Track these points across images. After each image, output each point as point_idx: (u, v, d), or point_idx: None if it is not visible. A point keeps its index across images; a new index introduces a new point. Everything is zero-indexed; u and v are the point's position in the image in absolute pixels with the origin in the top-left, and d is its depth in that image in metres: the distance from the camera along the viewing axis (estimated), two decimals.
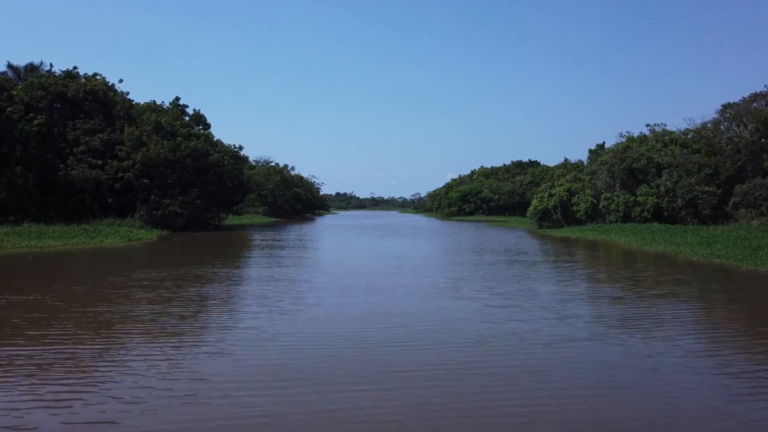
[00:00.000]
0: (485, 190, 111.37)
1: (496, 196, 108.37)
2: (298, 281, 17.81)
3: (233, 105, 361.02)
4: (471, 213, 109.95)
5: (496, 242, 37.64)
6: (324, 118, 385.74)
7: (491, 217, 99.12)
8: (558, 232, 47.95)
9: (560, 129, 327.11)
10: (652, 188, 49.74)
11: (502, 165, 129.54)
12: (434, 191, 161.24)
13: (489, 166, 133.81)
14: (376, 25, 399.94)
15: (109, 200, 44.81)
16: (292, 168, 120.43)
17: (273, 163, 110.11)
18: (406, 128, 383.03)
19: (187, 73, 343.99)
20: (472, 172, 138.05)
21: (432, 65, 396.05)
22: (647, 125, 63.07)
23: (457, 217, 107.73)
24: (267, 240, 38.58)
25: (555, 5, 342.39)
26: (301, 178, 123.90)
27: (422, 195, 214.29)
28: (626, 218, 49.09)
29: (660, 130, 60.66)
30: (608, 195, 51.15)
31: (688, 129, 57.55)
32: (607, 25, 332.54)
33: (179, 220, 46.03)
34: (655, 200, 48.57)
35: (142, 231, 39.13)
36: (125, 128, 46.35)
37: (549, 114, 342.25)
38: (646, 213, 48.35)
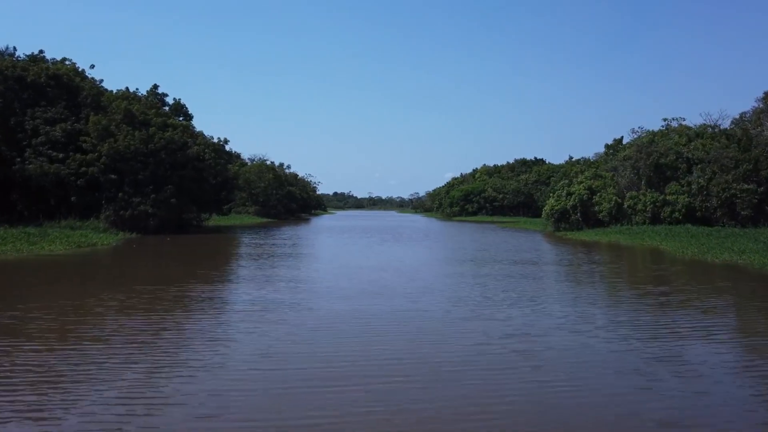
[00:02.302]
0: (489, 189, 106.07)
1: (501, 196, 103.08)
2: (246, 361, 8.85)
3: (233, 105, 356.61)
4: (474, 213, 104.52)
5: (519, 249, 31.17)
6: (323, 118, 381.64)
7: (496, 218, 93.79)
8: (581, 235, 42.48)
9: (560, 128, 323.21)
10: (683, 186, 44.60)
11: (505, 163, 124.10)
12: (434, 190, 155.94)
13: (491, 165, 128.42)
14: (376, 25, 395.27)
15: (73, 198, 39.39)
16: (288, 166, 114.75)
17: (268, 162, 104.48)
18: (406, 128, 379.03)
19: (186, 72, 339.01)
20: (474, 170, 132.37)
21: (432, 65, 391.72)
22: (664, 119, 58.01)
23: (459, 218, 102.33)
24: (246, 247, 33.07)
25: (555, 5, 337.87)
26: (296, 176, 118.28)
27: (420, 195, 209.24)
28: (654, 219, 43.93)
29: (677, 125, 55.78)
30: (634, 194, 45.90)
31: (705, 124, 52.72)
32: (607, 25, 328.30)
33: (152, 221, 40.43)
34: (686, 199, 43.43)
35: (103, 234, 33.62)
36: (90, 117, 40.88)
37: (549, 113, 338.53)
38: (677, 214, 43.23)
